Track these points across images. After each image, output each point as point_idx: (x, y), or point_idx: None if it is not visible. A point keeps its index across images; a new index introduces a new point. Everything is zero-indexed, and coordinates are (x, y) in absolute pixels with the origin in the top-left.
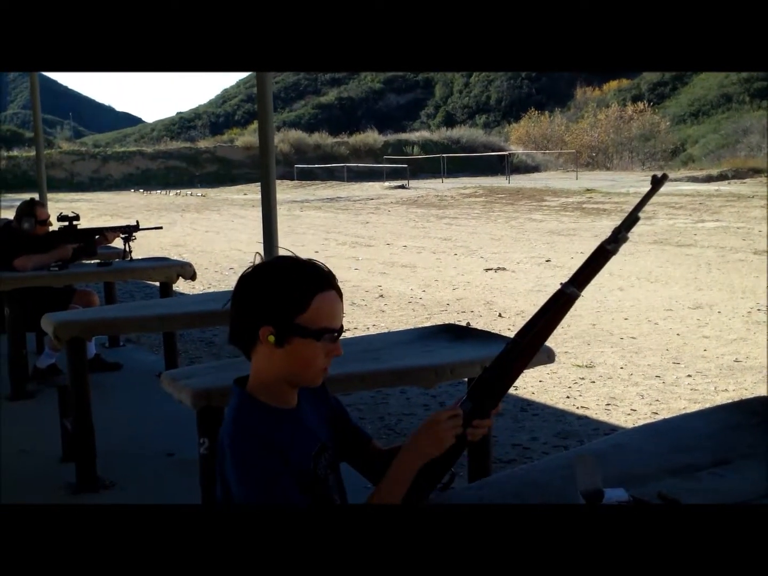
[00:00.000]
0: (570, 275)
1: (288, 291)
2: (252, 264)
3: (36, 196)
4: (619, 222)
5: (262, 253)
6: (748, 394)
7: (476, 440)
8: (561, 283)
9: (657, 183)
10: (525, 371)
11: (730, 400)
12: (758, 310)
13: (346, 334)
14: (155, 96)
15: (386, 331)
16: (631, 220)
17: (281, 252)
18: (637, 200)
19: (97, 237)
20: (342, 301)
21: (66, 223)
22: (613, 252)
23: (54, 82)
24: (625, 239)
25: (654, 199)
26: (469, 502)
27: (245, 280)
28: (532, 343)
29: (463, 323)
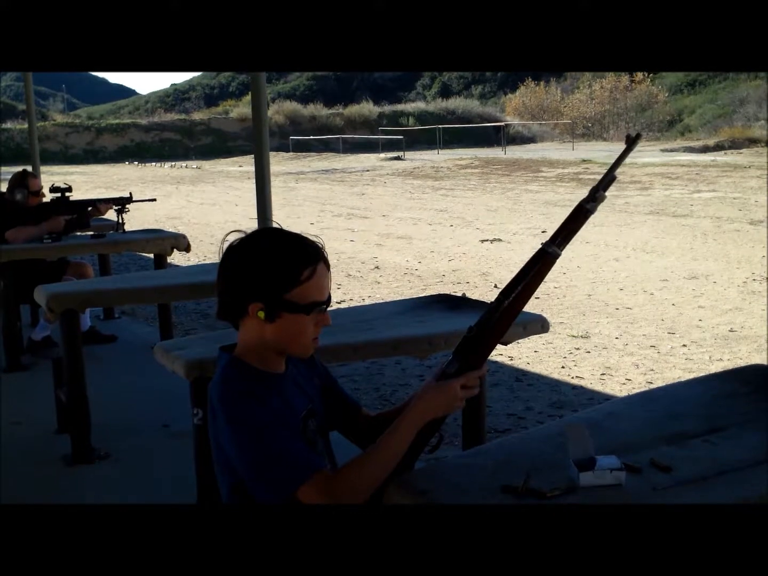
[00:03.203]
0: (559, 242)
1: (277, 267)
2: (237, 237)
3: (30, 168)
4: (615, 192)
5: (245, 227)
6: (742, 364)
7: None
8: (542, 243)
9: (632, 142)
10: (520, 341)
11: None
12: (753, 280)
13: (340, 305)
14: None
15: (381, 301)
16: (608, 179)
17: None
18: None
19: (89, 209)
20: (329, 270)
21: (58, 195)
22: (592, 211)
23: None
24: (603, 198)
25: (650, 169)
26: (461, 470)
27: (232, 254)
28: (515, 302)
29: (459, 294)
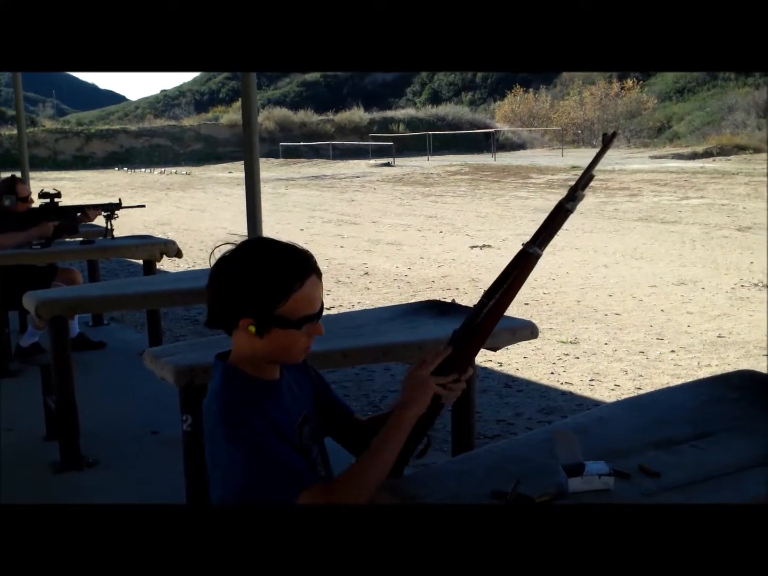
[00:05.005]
0: (540, 242)
1: (266, 284)
2: (228, 248)
3: (18, 174)
4: (604, 198)
5: (246, 232)
6: (731, 370)
7: (450, 403)
8: (523, 244)
9: (608, 141)
10: (509, 347)
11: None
12: (742, 286)
13: (330, 311)
14: (139, 73)
15: (371, 307)
16: (587, 178)
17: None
18: (627, 177)
19: (78, 214)
20: (321, 280)
21: (47, 200)
22: (571, 210)
23: None
24: (582, 197)
25: (639, 176)
26: (451, 476)
27: (223, 267)
28: (498, 304)
29: (449, 300)
